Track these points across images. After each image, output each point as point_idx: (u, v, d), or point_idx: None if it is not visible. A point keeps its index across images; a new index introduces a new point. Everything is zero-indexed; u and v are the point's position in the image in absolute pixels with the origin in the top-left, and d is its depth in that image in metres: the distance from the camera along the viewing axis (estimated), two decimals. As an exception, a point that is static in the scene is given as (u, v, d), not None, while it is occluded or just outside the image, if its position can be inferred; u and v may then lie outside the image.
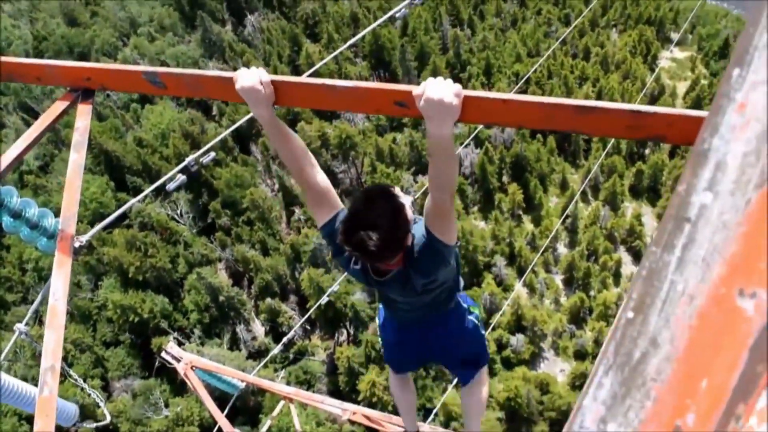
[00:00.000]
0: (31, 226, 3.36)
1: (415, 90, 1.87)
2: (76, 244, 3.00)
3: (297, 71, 59.48)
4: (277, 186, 52.93)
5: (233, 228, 50.56)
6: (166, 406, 41.65)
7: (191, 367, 6.59)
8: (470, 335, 3.44)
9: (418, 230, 2.52)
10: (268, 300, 45.90)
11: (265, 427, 6.91)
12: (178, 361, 6.60)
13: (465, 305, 3.35)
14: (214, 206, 50.88)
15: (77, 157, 2.96)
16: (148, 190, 4.96)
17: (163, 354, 6.71)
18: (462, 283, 3.33)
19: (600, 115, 1.75)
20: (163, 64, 62.18)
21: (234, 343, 45.85)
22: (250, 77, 2.12)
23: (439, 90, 1.81)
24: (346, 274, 2.83)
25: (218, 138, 5.04)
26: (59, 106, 2.90)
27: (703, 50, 65.32)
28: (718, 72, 61.38)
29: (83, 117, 2.91)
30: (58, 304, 2.77)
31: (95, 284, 46.40)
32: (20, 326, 4.54)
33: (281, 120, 2.32)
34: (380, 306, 3.51)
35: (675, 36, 66.56)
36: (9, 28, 67.42)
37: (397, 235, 2.28)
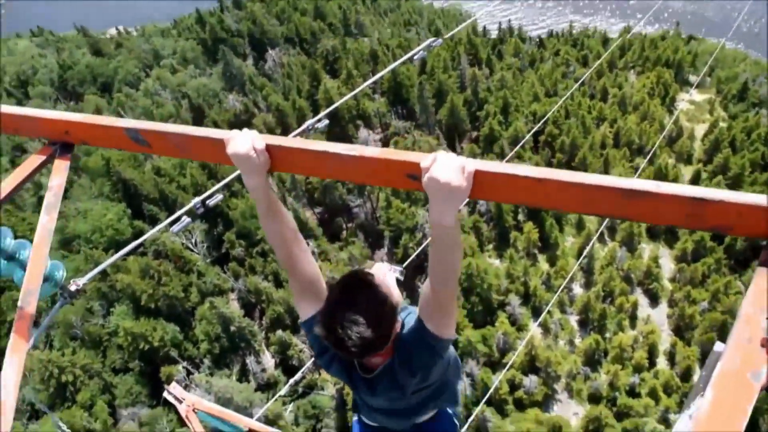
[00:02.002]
0: (24, 268, 3.07)
1: (423, 161, 1.66)
2: (73, 288, 2.80)
3: (315, 105, 60.17)
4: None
5: (247, 259, 50.58)
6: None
7: (193, 410, 6.42)
8: None
9: (410, 319, 2.31)
10: (279, 332, 45.60)
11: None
12: (180, 402, 6.43)
13: (450, 411, 2.91)
14: (229, 237, 51.03)
15: (47, 221, 2.58)
16: (146, 236, 4.74)
17: (165, 394, 6.55)
18: (458, 396, 2.91)
19: (653, 202, 1.51)
20: (185, 95, 63.23)
21: (243, 375, 45.44)
22: (243, 142, 1.91)
23: (446, 170, 1.60)
24: None
25: (225, 181, 4.65)
26: (35, 160, 2.59)
27: (722, 93, 65.32)
28: (737, 115, 61.31)
29: (59, 174, 2.59)
30: (8, 399, 2.16)
31: (107, 310, 46.40)
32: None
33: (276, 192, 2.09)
34: (354, 420, 3.10)
35: (693, 78, 66.75)
36: (36, 56, 69.08)
37: (381, 331, 2.03)
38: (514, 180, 1.61)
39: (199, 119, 62.05)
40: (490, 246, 52.87)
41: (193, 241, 51.85)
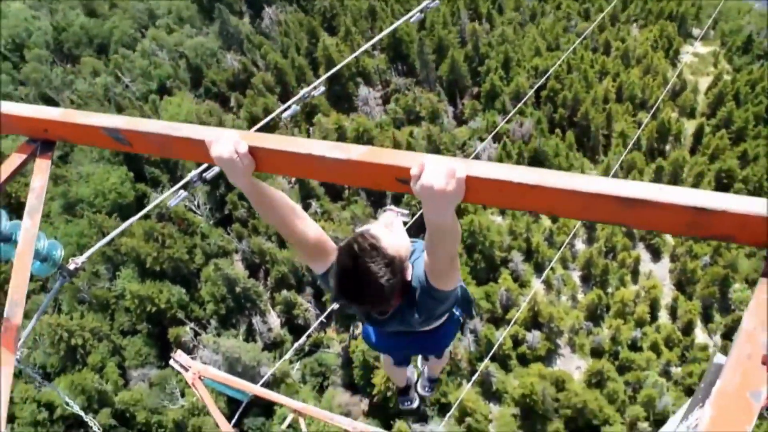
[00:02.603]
0: (41, 259, 2.79)
1: (413, 168, 1.62)
2: (72, 266, 2.75)
3: (314, 63, 59.44)
4: (293, 178, 52.98)
5: (250, 220, 50.70)
6: (182, 395, 41.98)
7: (199, 377, 6.53)
8: (453, 334, 3.42)
9: (417, 266, 2.40)
10: (284, 292, 46.04)
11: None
12: (187, 370, 6.55)
13: (457, 314, 3.22)
14: (231, 198, 51.05)
15: (30, 225, 2.37)
16: (140, 214, 4.74)
17: (171, 362, 6.67)
18: (466, 300, 3.21)
19: (653, 211, 1.46)
20: (182, 55, 62.38)
21: (250, 335, 46.07)
22: (226, 146, 1.89)
23: (436, 176, 1.56)
24: None
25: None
26: (17, 159, 2.44)
27: (726, 45, 64.31)
28: (741, 67, 60.51)
29: (41, 174, 2.42)
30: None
31: (113, 274, 46.78)
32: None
33: (263, 182, 2.11)
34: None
35: (697, 31, 65.63)
36: (29, 18, 67.90)
37: (391, 290, 2.16)
38: (506, 186, 1.57)
39: (197, 79, 61.39)
40: (493, 203, 52.85)
41: (196, 203, 51.91)
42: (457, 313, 3.21)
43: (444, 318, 2.96)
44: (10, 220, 2.77)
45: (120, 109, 56.75)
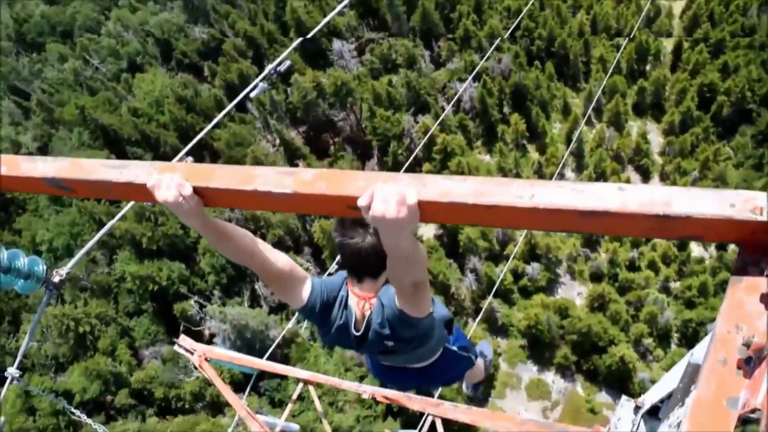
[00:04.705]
0: (22, 276, 2.97)
1: (361, 199, 1.55)
2: (56, 279, 2.70)
3: (285, 27, 58.30)
4: (277, 141, 52.59)
5: (240, 188, 50.42)
6: (196, 367, 42.30)
7: (205, 359, 6.65)
8: (456, 370, 3.46)
9: (388, 291, 2.46)
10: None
11: (286, 413, 6.99)
12: (192, 353, 6.65)
13: (454, 348, 3.21)
14: (219, 167, 50.65)
15: None
16: (122, 212, 4.86)
17: (176, 347, 6.76)
18: (451, 335, 3.20)
19: (614, 220, 1.40)
20: (149, 34, 61.15)
21: (254, 300, 46.41)
22: (170, 190, 1.79)
23: (387, 206, 1.50)
24: None
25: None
26: None
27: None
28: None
29: None
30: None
31: (110, 258, 46.76)
32: (12, 371, 4.17)
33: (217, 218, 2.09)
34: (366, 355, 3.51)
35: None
36: (-13, 12, 66.26)
37: None
38: (461, 208, 1.50)
39: (167, 53, 60.32)
40: (479, 142, 52.81)
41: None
42: (454, 347, 3.20)
43: (434, 356, 2.99)
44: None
45: (93, 93, 55.88)
